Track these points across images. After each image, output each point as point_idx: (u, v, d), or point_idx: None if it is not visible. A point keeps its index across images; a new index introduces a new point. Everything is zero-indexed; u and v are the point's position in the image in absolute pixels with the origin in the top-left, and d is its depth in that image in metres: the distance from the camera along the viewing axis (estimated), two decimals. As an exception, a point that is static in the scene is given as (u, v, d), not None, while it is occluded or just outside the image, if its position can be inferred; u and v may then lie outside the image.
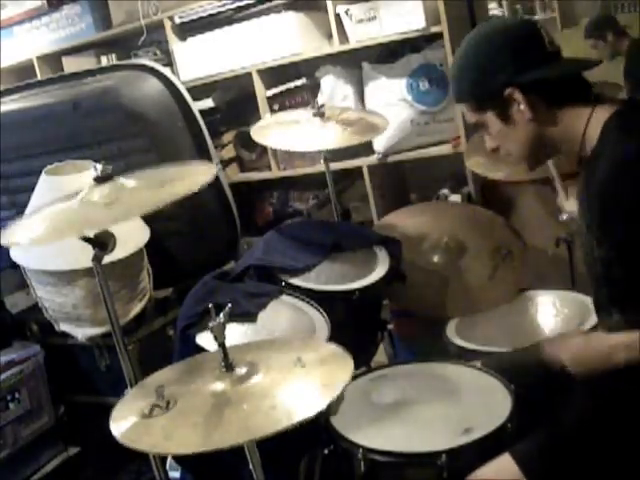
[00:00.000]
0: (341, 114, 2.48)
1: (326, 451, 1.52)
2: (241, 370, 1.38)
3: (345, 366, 1.40)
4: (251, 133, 2.45)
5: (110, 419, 1.36)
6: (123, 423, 1.33)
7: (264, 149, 3.19)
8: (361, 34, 2.84)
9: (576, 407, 1.41)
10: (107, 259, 1.63)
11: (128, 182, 1.67)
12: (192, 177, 1.70)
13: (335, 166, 2.83)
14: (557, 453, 1.34)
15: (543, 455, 1.35)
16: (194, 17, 3.18)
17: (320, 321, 1.90)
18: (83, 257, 1.67)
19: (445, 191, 2.95)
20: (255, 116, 3.19)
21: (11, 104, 3.04)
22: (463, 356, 1.85)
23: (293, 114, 2.64)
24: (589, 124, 1.39)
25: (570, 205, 2.01)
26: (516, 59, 1.41)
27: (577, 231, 1.76)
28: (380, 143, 2.91)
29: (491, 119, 1.47)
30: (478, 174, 2.52)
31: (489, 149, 1.53)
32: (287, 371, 1.38)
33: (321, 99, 3.00)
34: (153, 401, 1.34)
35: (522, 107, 1.41)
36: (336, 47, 2.94)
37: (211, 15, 3.15)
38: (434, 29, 2.72)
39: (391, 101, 2.87)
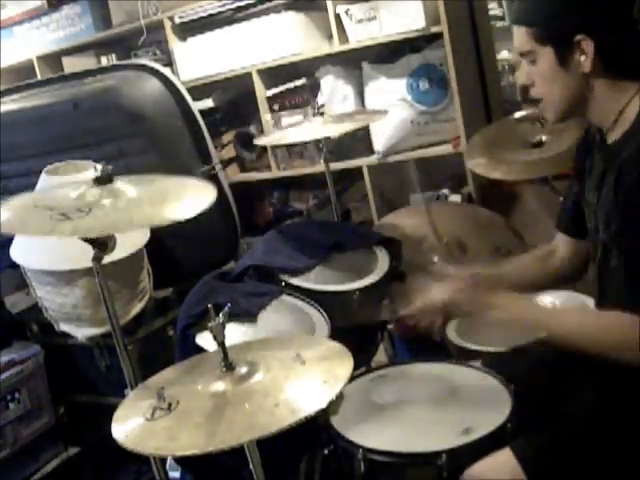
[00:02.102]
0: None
1: (326, 451, 1.52)
2: (241, 369, 1.38)
3: (345, 361, 1.40)
4: (254, 140, 2.47)
5: (112, 422, 1.35)
6: (126, 427, 1.33)
7: (264, 149, 3.19)
8: (361, 34, 2.84)
9: (578, 405, 1.40)
10: (107, 259, 1.62)
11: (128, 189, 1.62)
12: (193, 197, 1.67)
13: (335, 166, 2.83)
14: (558, 451, 1.34)
15: (543, 452, 1.35)
16: (194, 17, 3.18)
17: (320, 321, 1.90)
18: (83, 257, 1.66)
19: (445, 191, 2.95)
20: (255, 116, 3.20)
21: (11, 104, 3.03)
22: (463, 356, 1.85)
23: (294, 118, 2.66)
24: (631, 102, 1.36)
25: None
26: (603, 11, 1.35)
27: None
28: (380, 143, 2.91)
29: (546, 55, 1.39)
30: (478, 174, 2.52)
31: (521, 83, 1.47)
32: (287, 368, 1.38)
33: (321, 99, 3.00)
34: (154, 403, 1.34)
35: (584, 59, 1.35)
36: (336, 47, 2.94)
37: (211, 15, 3.15)
38: (434, 29, 2.72)
39: (391, 101, 2.87)
